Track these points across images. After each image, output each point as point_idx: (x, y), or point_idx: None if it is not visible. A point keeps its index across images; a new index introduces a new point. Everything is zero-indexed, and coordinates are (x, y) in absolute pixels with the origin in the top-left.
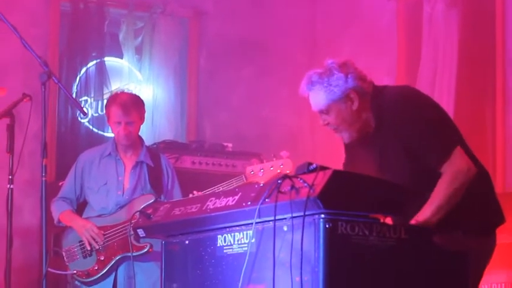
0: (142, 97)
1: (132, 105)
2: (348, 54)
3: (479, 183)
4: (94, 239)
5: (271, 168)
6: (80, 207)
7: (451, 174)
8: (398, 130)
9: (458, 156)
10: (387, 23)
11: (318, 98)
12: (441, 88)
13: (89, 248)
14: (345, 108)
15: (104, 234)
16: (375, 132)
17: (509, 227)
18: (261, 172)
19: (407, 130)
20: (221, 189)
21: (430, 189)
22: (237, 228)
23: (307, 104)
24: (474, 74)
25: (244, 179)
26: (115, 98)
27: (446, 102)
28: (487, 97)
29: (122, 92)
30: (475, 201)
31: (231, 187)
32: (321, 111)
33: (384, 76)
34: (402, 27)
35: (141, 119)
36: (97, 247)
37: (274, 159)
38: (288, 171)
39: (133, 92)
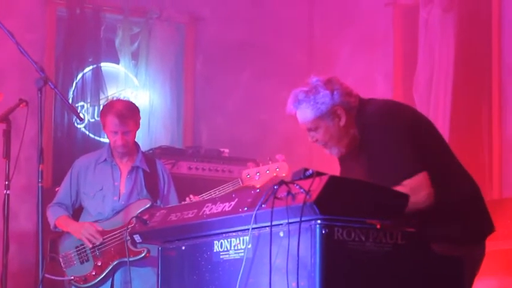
0: (138, 103)
1: (128, 114)
2: (345, 58)
3: (468, 193)
4: (93, 236)
5: (267, 172)
6: (76, 212)
7: (409, 188)
8: (371, 147)
9: (421, 181)
10: (384, 27)
11: (305, 116)
12: (438, 92)
13: (90, 246)
14: (332, 125)
15: (102, 239)
16: (360, 146)
17: (506, 232)
18: (257, 175)
19: (376, 146)
20: (218, 193)
21: None
22: (234, 234)
23: None
24: (470, 78)
25: (240, 182)
26: (111, 106)
27: (443, 106)
28: (483, 101)
29: (118, 100)
30: (465, 211)
31: (228, 191)
32: (309, 129)
33: (381, 80)
34: (399, 31)
35: (137, 126)
36: (97, 243)
37: (270, 162)
38: (284, 174)
39: (128, 99)
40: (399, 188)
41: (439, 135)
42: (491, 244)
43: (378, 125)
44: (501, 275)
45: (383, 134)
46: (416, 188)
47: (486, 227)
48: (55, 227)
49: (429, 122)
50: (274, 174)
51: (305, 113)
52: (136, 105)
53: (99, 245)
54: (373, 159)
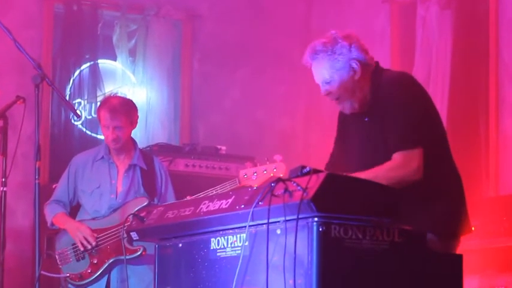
0: (135, 100)
1: (121, 109)
2: None
3: (451, 188)
4: (86, 240)
5: (265, 172)
6: (74, 210)
7: (398, 162)
8: (382, 109)
9: (415, 155)
10: (381, 24)
11: (322, 67)
12: (435, 89)
13: (81, 249)
14: (347, 77)
15: (97, 237)
16: (369, 111)
17: (503, 230)
18: (254, 176)
19: (388, 108)
20: (214, 192)
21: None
22: (231, 231)
23: (301, 105)
24: (468, 75)
25: (237, 182)
26: (105, 102)
27: (440, 104)
28: (480, 98)
29: (114, 96)
30: (445, 205)
31: (225, 190)
32: (324, 81)
33: None
34: (396, 29)
35: (132, 124)
36: (89, 247)
37: (268, 162)
38: (281, 175)
39: (126, 96)
40: (386, 165)
41: (440, 122)
42: (488, 242)
43: (393, 91)
44: (497, 272)
45: (398, 99)
46: (405, 161)
47: (462, 222)
48: (52, 224)
49: (435, 107)
50: (272, 174)
51: (321, 64)
52: (134, 103)
53: (95, 245)
54: (380, 122)
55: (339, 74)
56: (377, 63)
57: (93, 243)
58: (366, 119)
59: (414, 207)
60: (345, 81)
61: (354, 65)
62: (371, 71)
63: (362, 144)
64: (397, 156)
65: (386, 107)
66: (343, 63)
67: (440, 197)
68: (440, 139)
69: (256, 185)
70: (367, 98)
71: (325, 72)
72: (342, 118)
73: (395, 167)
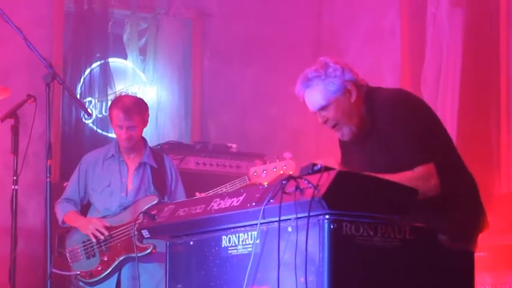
0: (146, 98)
1: (134, 109)
2: (353, 53)
3: (466, 193)
4: (99, 231)
5: (274, 170)
6: (84, 208)
7: (420, 174)
8: (387, 129)
9: (433, 171)
10: (391, 22)
11: (316, 93)
12: (445, 87)
13: (94, 240)
14: (343, 100)
15: (108, 235)
16: (367, 131)
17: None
18: (264, 173)
19: (394, 128)
20: (224, 190)
21: None
22: (242, 229)
23: None
24: (478, 72)
25: (247, 179)
26: (118, 101)
27: (451, 102)
28: (491, 96)
29: (126, 95)
30: (463, 206)
31: (235, 188)
32: (320, 107)
33: (388, 74)
34: (406, 26)
35: (144, 123)
36: (102, 238)
37: (277, 160)
38: (290, 172)
39: (137, 95)
40: (409, 174)
41: (444, 129)
42: (500, 239)
43: (394, 111)
44: (509, 269)
45: (401, 119)
46: (426, 176)
47: (481, 224)
48: (63, 222)
49: (435, 114)
50: (281, 172)
51: (316, 91)
52: (145, 102)
53: (106, 241)
54: (386, 140)
55: (335, 97)
56: (367, 83)
57: (106, 234)
58: (365, 144)
59: (430, 216)
60: (342, 103)
61: (349, 86)
62: (364, 92)
63: (367, 166)
64: (419, 169)
65: (390, 127)
66: (338, 86)
67: (454, 203)
68: (446, 146)
69: (266, 183)
70: (365, 119)
71: (320, 97)
72: (343, 144)
73: (418, 178)
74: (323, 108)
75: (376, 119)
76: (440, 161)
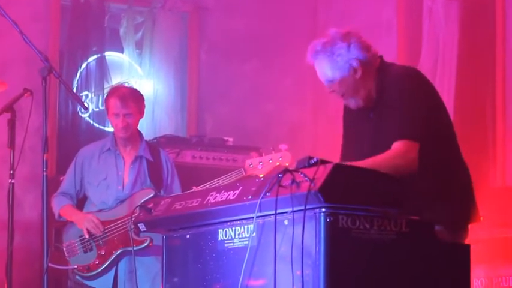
0: (142, 92)
1: (131, 97)
2: None
3: (459, 180)
4: (93, 228)
5: (270, 161)
6: (80, 202)
7: (398, 151)
8: (387, 101)
9: (414, 147)
10: (388, 16)
11: (323, 67)
12: (442, 80)
13: (87, 237)
14: (348, 77)
15: (104, 229)
16: (374, 106)
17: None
18: (260, 165)
19: (391, 100)
20: (221, 182)
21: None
22: (238, 222)
23: (308, 97)
24: (474, 66)
25: (243, 172)
26: (114, 90)
27: (447, 95)
28: (487, 90)
29: (122, 85)
30: (453, 197)
31: (231, 180)
32: (326, 79)
33: None
34: (402, 20)
35: (140, 113)
36: (96, 235)
37: (273, 152)
38: (286, 164)
39: (133, 86)
40: (385, 153)
41: (447, 118)
42: (495, 232)
43: (398, 83)
44: (505, 262)
45: (401, 91)
46: (403, 152)
47: (472, 214)
48: (59, 216)
49: (442, 101)
50: (277, 163)
51: (322, 64)
52: (141, 93)
53: (102, 235)
54: (384, 113)
55: (340, 73)
56: (381, 58)
57: (101, 232)
58: (371, 115)
59: (422, 200)
60: (346, 80)
61: (354, 64)
62: (375, 68)
63: (369, 139)
64: (396, 145)
65: (389, 98)
66: (343, 63)
67: (448, 189)
68: (446, 132)
69: (262, 175)
70: (372, 94)
71: (326, 71)
72: (347, 113)
73: (394, 156)
74: (329, 80)
75: (382, 95)
76: (435, 142)
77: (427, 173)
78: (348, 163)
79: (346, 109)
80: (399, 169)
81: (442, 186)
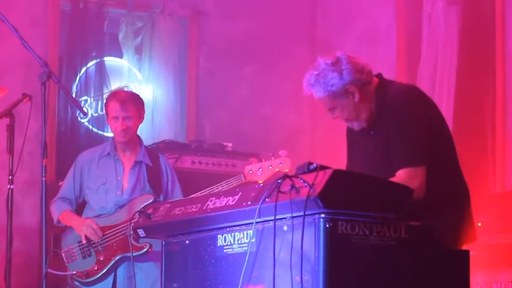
0: (142, 97)
1: (131, 100)
2: (348, 52)
3: (457, 201)
4: (92, 234)
5: (270, 167)
6: (80, 207)
7: (401, 179)
8: (389, 125)
9: (418, 173)
10: (387, 21)
11: (321, 98)
12: (441, 86)
13: (85, 243)
14: (347, 103)
15: (104, 235)
16: (375, 125)
17: (510, 226)
18: (259, 171)
19: (394, 125)
20: (220, 188)
21: None
22: (237, 228)
23: (307, 102)
24: (474, 71)
25: (243, 178)
26: (114, 94)
27: (446, 101)
28: (487, 95)
29: (121, 90)
30: (449, 216)
31: (230, 186)
32: (328, 108)
33: (384, 74)
34: (402, 26)
35: (140, 117)
36: (95, 241)
37: (273, 158)
38: (286, 170)
39: (133, 91)
40: (393, 178)
41: (447, 134)
42: (494, 238)
43: (400, 108)
44: (504, 268)
45: (403, 117)
46: (406, 179)
47: (467, 234)
48: (58, 221)
49: (443, 118)
50: (277, 169)
51: (320, 95)
52: (141, 97)
53: (101, 240)
54: (387, 135)
55: (338, 101)
56: (380, 76)
57: (99, 238)
58: (372, 133)
59: (419, 207)
60: (346, 106)
61: (350, 89)
62: (374, 87)
63: (368, 158)
64: (400, 173)
65: (392, 123)
66: (339, 91)
67: (445, 208)
68: (447, 153)
69: (261, 181)
70: (373, 114)
71: (324, 100)
72: (350, 132)
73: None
74: (330, 109)
75: (384, 113)
76: (436, 164)
77: (426, 193)
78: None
79: (349, 129)
80: None
81: (438, 206)
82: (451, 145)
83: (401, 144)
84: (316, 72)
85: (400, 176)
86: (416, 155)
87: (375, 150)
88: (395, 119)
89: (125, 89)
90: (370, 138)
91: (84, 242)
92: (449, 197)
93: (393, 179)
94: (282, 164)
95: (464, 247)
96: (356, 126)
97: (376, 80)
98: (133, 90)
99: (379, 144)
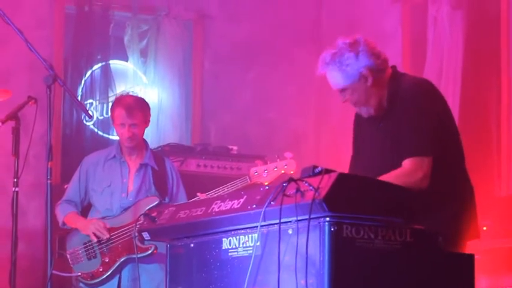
0: (147, 100)
1: (137, 107)
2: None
3: (461, 194)
4: (100, 232)
5: (275, 169)
6: (84, 210)
7: (406, 170)
8: (400, 116)
9: (424, 163)
10: (392, 25)
11: (334, 78)
12: (446, 90)
13: (95, 240)
14: (359, 86)
15: (109, 236)
16: (385, 116)
17: None
18: (265, 173)
19: (405, 116)
20: (225, 190)
21: None
22: (242, 231)
23: (312, 105)
24: (479, 75)
25: (248, 180)
26: (120, 100)
27: (451, 104)
28: (492, 98)
29: (127, 95)
30: (453, 209)
31: (236, 188)
32: (339, 89)
33: None
34: (407, 30)
35: (146, 122)
36: (104, 239)
37: (278, 160)
38: (291, 172)
39: (139, 95)
40: (396, 171)
41: (456, 131)
42: (499, 242)
43: (413, 100)
44: (509, 272)
45: (416, 109)
46: (413, 170)
47: (470, 231)
48: (63, 224)
49: (452, 114)
50: (282, 171)
51: (333, 75)
52: (147, 102)
53: (107, 242)
54: (398, 126)
55: (351, 83)
56: (394, 67)
57: (107, 235)
58: (381, 125)
59: (423, 211)
60: (358, 88)
61: (364, 72)
62: (388, 77)
63: (376, 149)
64: (406, 163)
65: (403, 114)
66: (353, 72)
67: (449, 202)
68: (454, 147)
69: (267, 182)
70: (383, 104)
71: (337, 81)
72: (358, 122)
73: (402, 174)
74: (341, 90)
75: (396, 105)
76: (442, 157)
77: (431, 186)
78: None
79: (357, 120)
80: (410, 187)
81: (442, 199)
82: (458, 141)
83: (411, 134)
84: (333, 51)
85: (406, 165)
86: (424, 145)
87: (383, 143)
88: (408, 111)
89: (131, 94)
90: (379, 130)
91: (94, 239)
92: (453, 191)
93: (397, 170)
94: (287, 165)
95: (469, 250)
96: (364, 112)
97: (390, 70)
98: (139, 94)
99: (389, 137)
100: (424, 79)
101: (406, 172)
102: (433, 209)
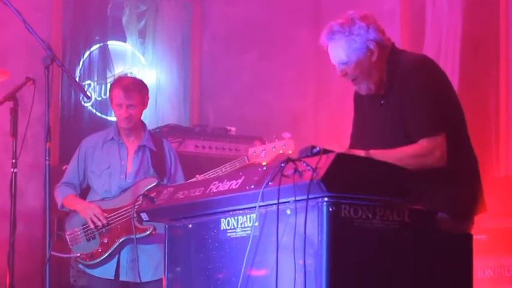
0: (145, 81)
1: (134, 88)
2: None
3: (467, 170)
4: (97, 217)
5: (273, 149)
6: (84, 192)
7: (424, 149)
8: (402, 93)
9: (439, 142)
10: (390, 6)
11: (338, 48)
12: (445, 70)
13: (92, 227)
14: (364, 59)
15: (108, 217)
16: (385, 93)
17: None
18: (263, 153)
19: (408, 93)
20: (224, 170)
21: None
22: (241, 211)
23: (310, 86)
24: (478, 57)
25: (246, 160)
26: (118, 81)
27: None
28: (490, 80)
29: (126, 76)
30: (460, 186)
31: (234, 168)
32: (340, 62)
33: None
34: (405, 10)
35: (144, 104)
36: (100, 225)
37: (276, 140)
38: (290, 152)
39: (137, 77)
40: (412, 149)
41: (459, 106)
42: (497, 222)
43: (415, 75)
44: (507, 252)
45: (417, 83)
46: (430, 150)
47: (479, 205)
48: (62, 206)
49: (453, 88)
50: (281, 151)
51: (338, 45)
52: (145, 83)
53: (105, 224)
54: (400, 103)
55: (356, 54)
56: (393, 44)
57: (104, 221)
58: (382, 102)
59: (430, 188)
60: (362, 62)
61: (371, 46)
62: (387, 52)
63: (378, 126)
64: (423, 143)
65: (406, 91)
66: (360, 44)
67: (456, 179)
68: (459, 123)
69: (265, 162)
70: (384, 79)
71: (342, 52)
72: (358, 99)
73: (421, 154)
74: (343, 63)
75: (396, 81)
76: (448, 133)
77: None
78: (353, 151)
79: (357, 97)
80: (424, 167)
81: (450, 174)
82: (461, 113)
83: (417, 112)
84: (342, 21)
85: (422, 145)
86: (435, 123)
87: (385, 120)
88: (408, 85)
89: (129, 75)
90: (381, 107)
91: (91, 225)
92: (462, 165)
93: (414, 148)
94: (285, 145)
95: (470, 232)
96: (364, 88)
97: (390, 46)
98: (137, 76)
99: (390, 114)
100: (423, 55)
101: (423, 152)
102: (439, 187)
